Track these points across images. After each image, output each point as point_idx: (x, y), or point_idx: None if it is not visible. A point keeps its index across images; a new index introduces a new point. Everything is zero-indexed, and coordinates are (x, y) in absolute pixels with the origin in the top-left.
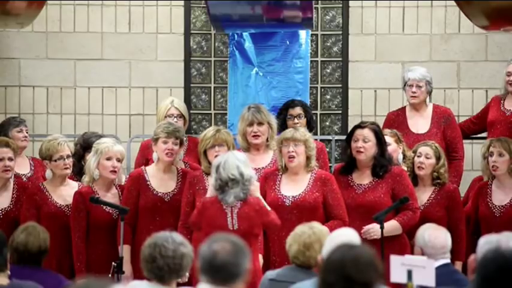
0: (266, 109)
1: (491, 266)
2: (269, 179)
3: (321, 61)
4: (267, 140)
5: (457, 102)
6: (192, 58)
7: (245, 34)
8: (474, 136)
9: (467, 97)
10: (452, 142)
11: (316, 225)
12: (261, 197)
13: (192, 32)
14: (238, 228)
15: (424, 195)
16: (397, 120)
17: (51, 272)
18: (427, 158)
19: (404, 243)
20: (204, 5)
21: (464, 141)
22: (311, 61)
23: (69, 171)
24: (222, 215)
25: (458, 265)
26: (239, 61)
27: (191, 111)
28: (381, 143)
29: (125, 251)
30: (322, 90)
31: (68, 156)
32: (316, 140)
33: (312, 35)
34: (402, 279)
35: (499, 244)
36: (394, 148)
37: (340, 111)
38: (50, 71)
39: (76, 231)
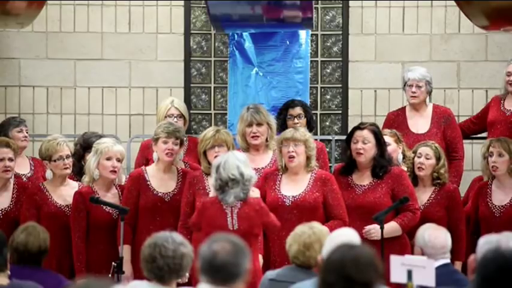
0: (265, 109)
1: (491, 266)
2: (269, 179)
3: (321, 61)
4: (267, 140)
5: (457, 102)
6: (192, 58)
7: (245, 34)
8: (474, 136)
9: (467, 97)
10: (452, 142)
11: (316, 225)
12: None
13: (192, 32)
14: (238, 228)
15: (424, 195)
16: (397, 120)
17: (51, 272)
18: (427, 158)
19: (405, 243)
20: (204, 5)
21: (464, 141)
22: (311, 61)
23: (69, 171)
24: (222, 215)
25: (458, 265)
26: (239, 61)
27: (191, 111)
28: (380, 143)
29: (125, 251)
30: (322, 90)
31: (67, 156)
32: (316, 140)
33: (312, 35)
34: (402, 279)
35: (499, 244)
36: (393, 148)
37: (340, 111)
38: (50, 71)
39: (76, 231)
